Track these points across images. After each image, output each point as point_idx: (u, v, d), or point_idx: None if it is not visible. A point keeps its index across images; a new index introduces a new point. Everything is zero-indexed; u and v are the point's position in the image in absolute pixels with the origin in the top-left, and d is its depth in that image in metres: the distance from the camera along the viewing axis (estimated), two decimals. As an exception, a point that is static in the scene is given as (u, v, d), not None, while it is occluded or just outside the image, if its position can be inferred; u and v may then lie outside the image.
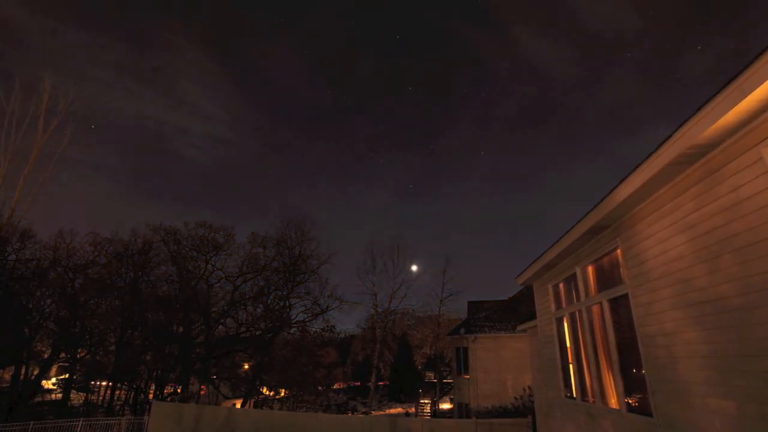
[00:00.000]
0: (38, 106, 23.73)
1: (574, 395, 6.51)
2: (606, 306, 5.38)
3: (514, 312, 23.15)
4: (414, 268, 40.17)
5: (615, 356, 5.16)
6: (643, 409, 4.60)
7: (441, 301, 39.39)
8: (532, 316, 11.50)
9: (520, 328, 13.46)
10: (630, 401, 4.92)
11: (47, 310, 22.00)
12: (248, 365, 31.12)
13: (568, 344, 6.84)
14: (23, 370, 21.35)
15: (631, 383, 4.92)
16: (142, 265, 25.36)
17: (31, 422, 15.37)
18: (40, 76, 27.30)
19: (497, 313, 24.82)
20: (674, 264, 3.93)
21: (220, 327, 27.66)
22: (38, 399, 24.37)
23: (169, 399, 24.02)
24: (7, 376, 21.50)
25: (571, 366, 6.71)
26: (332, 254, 31.66)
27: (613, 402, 5.29)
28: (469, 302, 28.28)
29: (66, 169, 23.22)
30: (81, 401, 24.88)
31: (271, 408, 33.15)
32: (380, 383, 51.85)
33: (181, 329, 25.34)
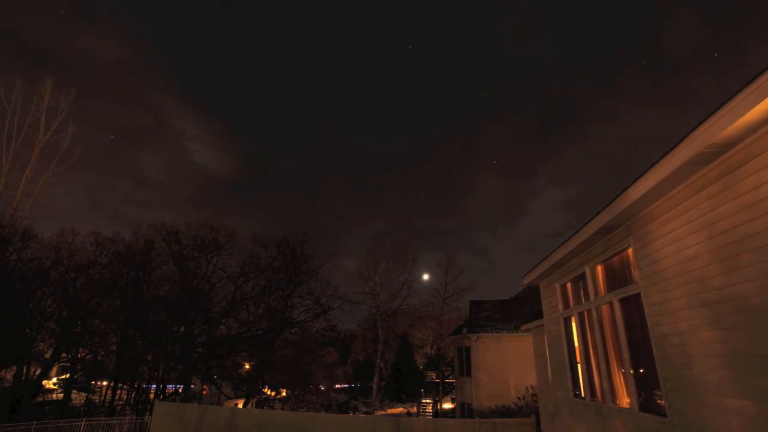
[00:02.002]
0: (39, 105, 23.74)
1: (583, 395, 6.49)
2: (617, 305, 5.36)
3: (517, 312, 23.15)
4: (425, 277, 40.34)
5: (626, 355, 5.13)
6: (656, 409, 4.57)
7: (444, 300, 39.29)
8: (535, 315, 11.49)
9: (523, 327, 13.45)
10: (642, 401, 4.90)
11: (48, 310, 21.91)
12: (250, 365, 31.09)
13: (576, 344, 6.82)
14: (25, 370, 21.29)
15: (643, 383, 4.90)
16: (144, 265, 25.30)
17: (34, 422, 15.35)
18: (42, 75, 27.28)
19: (499, 313, 24.84)
20: (689, 263, 3.91)
21: (221, 327, 27.62)
22: (40, 399, 24.30)
23: (171, 399, 23.97)
24: (9, 376, 21.42)
25: (579, 365, 6.69)
26: (334, 254, 31.57)
27: (625, 401, 5.27)
28: (471, 302, 28.30)
29: (68, 169, 23.35)
30: (82, 401, 24.81)
31: (273, 408, 33.13)
32: (381, 383, 51.81)
33: (182, 329, 25.27)
